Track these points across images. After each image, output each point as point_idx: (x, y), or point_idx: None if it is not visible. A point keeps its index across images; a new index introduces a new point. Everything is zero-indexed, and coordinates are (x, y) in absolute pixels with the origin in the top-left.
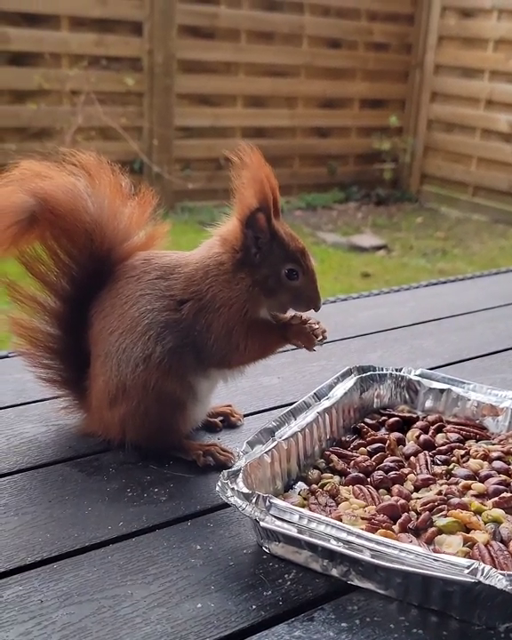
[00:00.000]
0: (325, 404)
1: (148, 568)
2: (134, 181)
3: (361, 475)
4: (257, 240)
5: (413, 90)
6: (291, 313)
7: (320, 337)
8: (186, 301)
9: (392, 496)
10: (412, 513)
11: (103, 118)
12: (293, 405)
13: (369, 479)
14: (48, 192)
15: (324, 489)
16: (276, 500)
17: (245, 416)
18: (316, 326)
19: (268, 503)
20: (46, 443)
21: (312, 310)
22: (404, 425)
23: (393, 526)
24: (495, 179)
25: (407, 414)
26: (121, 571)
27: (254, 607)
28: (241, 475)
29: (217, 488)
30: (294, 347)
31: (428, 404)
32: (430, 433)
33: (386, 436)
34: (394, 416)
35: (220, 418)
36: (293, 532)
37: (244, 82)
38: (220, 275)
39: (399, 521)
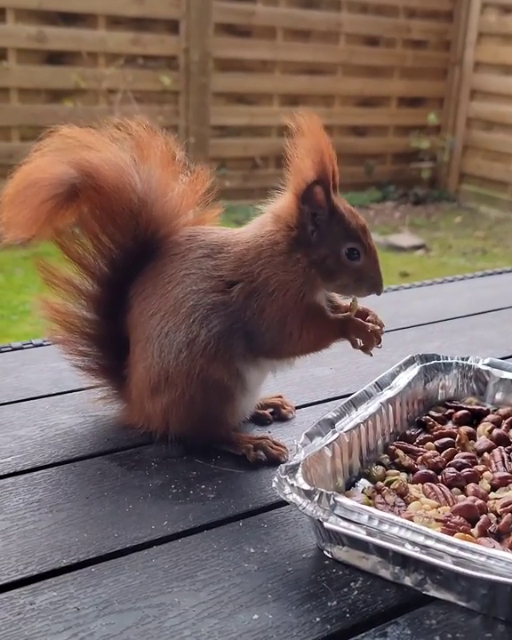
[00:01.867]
0: (388, 394)
1: (197, 573)
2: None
3: (431, 472)
4: (314, 217)
5: (452, 87)
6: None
7: (378, 341)
8: (235, 283)
9: (467, 496)
10: (492, 515)
11: (139, 117)
12: (353, 395)
13: (440, 477)
14: (93, 166)
15: (392, 487)
16: (341, 499)
17: (297, 408)
18: (377, 327)
19: (332, 502)
20: (83, 434)
21: (373, 295)
22: (474, 418)
23: (471, 529)
24: None
25: (476, 407)
26: (166, 576)
27: (318, 620)
28: (300, 469)
29: (273, 484)
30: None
31: (499, 396)
32: (503, 427)
33: (454, 430)
34: (462, 408)
35: (271, 410)
36: (362, 534)
37: (281, 80)
38: (275, 255)
39: (478, 524)
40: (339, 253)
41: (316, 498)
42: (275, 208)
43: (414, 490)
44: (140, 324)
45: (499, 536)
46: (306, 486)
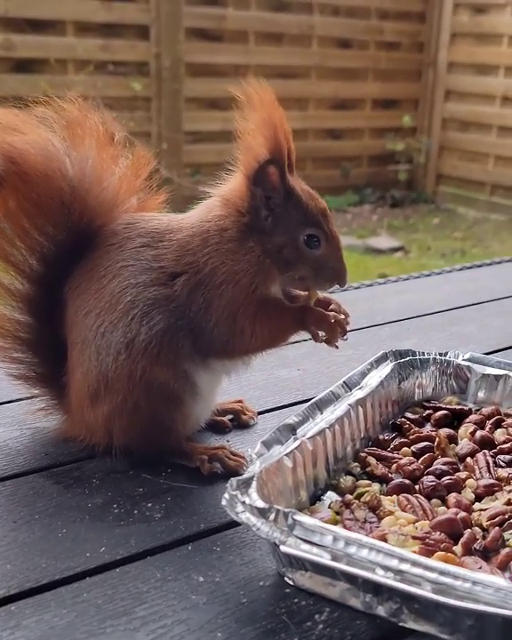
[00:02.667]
0: (358, 394)
1: (135, 609)
2: (129, 139)
3: (407, 481)
4: (268, 200)
5: (427, 89)
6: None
7: (343, 332)
8: (179, 275)
9: (449, 507)
10: (477, 529)
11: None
12: (318, 397)
13: (417, 486)
14: (17, 150)
15: (362, 500)
16: (301, 517)
17: (260, 414)
18: (341, 316)
19: (290, 521)
20: (18, 449)
21: (336, 287)
22: (454, 419)
23: (454, 547)
24: None
25: (457, 406)
26: (99, 613)
27: None
28: (254, 483)
29: (223, 501)
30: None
31: (482, 394)
32: (487, 428)
33: (433, 434)
34: (441, 409)
35: (230, 416)
36: (326, 558)
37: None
38: (223, 243)
39: (462, 540)
40: (296, 241)
41: (272, 517)
42: (223, 191)
43: (388, 502)
44: (75, 324)
45: (485, 554)
46: (260, 503)
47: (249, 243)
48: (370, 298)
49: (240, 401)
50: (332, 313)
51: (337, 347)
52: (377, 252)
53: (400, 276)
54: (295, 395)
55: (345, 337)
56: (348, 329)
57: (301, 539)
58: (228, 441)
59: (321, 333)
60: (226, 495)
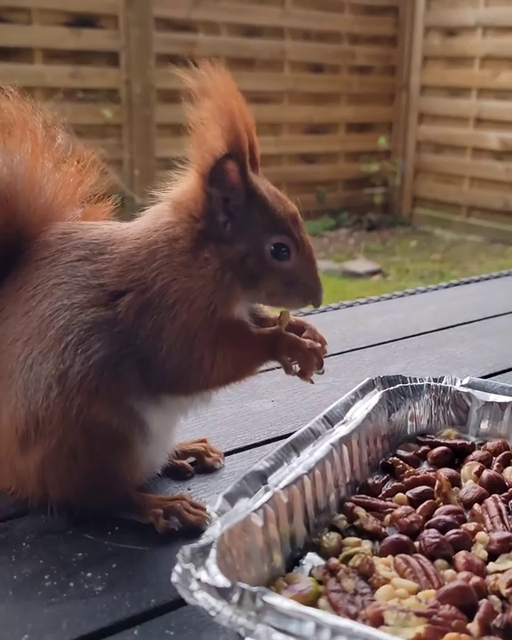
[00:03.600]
0: (341, 431)
1: None
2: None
3: (404, 537)
4: (226, 202)
5: (400, 112)
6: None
7: (319, 363)
8: (123, 294)
9: (458, 571)
10: (494, 598)
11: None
12: (294, 435)
13: (418, 543)
14: None
15: (351, 565)
16: (273, 598)
17: (227, 454)
18: (317, 344)
19: (259, 603)
20: None
21: (311, 307)
22: (455, 457)
23: (469, 625)
24: (489, 198)
25: (457, 441)
26: None
27: None
28: (213, 552)
29: (174, 577)
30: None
31: (485, 425)
32: (495, 466)
33: (432, 474)
34: (439, 444)
35: (191, 459)
36: None
37: None
38: (174, 255)
39: (478, 616)
40: (261, 250)
41: (236, 598)
42: (174, 194)
43: (383, 566)
44: (0, 354)
45: (508, 632)
46: (220, 580)
47: (204, 253)
48: (350, 319)
49: (203, 440)
50: (308, 340)
51: (312, 381)
52: (355, 275)
53: (382, 294)
54: (268, 431)
55: (321, 370)
56: (324, 358)
57: (274, 627)
58: (188, 489)
59: (294, 364)
60: (177, 568)
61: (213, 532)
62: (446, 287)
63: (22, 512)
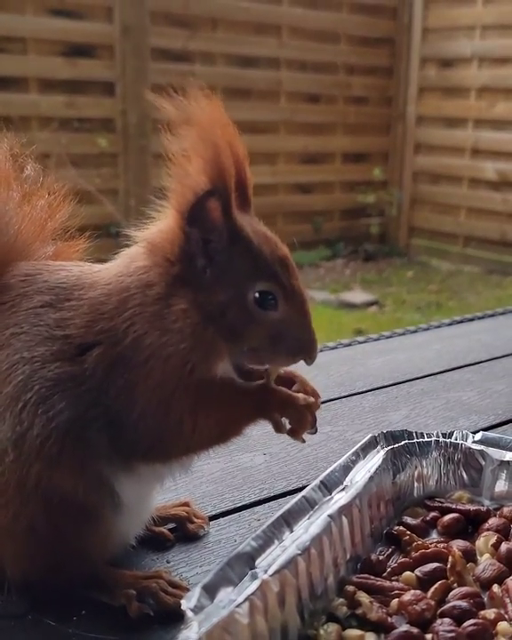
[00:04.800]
0: (340, 499)
1: None
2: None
3: (414, 630)
4: (207, 244)
5: (396, 142)
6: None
7: (313, 420)
8: (91, 347)
9: None
10: None
11: (77, 181)
12: (286, 507)
13: (431, 636)
14: None
15: None
16: None
17: (212, 519)
18: (311, 399)
19: None
20: None
21: (302, 363)
22: (469, 524)
23: None
24: (486, 229)
25: (471, 507)
26: None
27: None
28: None
29: None
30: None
31: (500, 486)
32: None
33: (443, 548)
34: (450, 510)
35: (171, 525)
36: None
37: None
38: (146, 305)
39: None
40: (244, 299)
41: None
42: (150, 234)
43: None
44: None
45: None
46: None
47: (181, 303)
48: (349, 360)
49: (186, 504)
50: (301, 395)
51: (304, 440)
52: (351, 306)
53: (382, 333)
54: (259, 489)
55: (314, 429)
56: (321, 404)
57: None
58: (167, 562)
59: (286, 421)
60: None
61: (189, 636)
62: (449, 324)
63: None
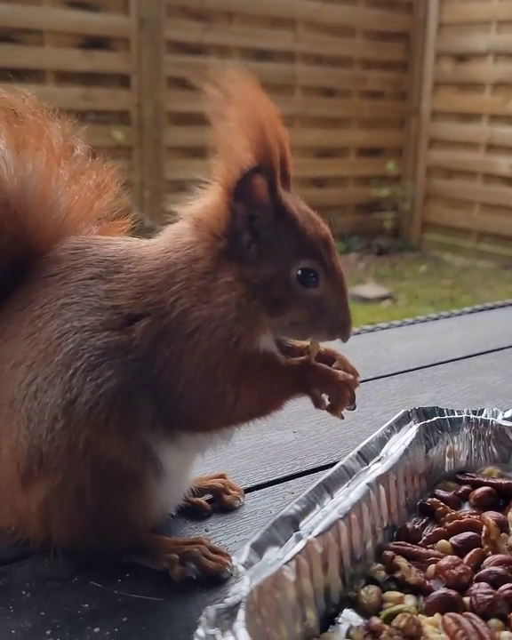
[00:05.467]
0: (377, 469)
1: None
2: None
3: (452, 592)
4: (252, 221)
5: (410, 137)
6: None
7: (352, 397)
8: (138, 318)
9: None
10: None
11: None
12: (327, 474)
13: (468, 599)
14: None
15: (395, 625)
16: None
17: (247, 491)
18: (350, 376)
19: None
20: None
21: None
22: (500, 498)
23: None
24: (500, 224)
25: (502, 480)
26: None
27: None
28: (242, 614)
29: None
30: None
31: None
32: None
33: (477, 519)
34: (481, 484)
35: (208, 496)
36: None
37: None
38: (194, 279)
39: None
40: (287, 276)
41: None
42: (196, 210)
43: (431, 628)
44: (1, 379)
45: None
46: None
47: (227, 277)
48: (373, 345)
49: (222, 476)
50: (340, 371)
51: (342, 416)
52: (364, 300)
53: (405, 319)
54: (291, 465)
55: (353, 405)
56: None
57: None
58: (206, 531)
59: (325, 398)
60: (200, 633)
61: (241, 588)
62: (470, 312)
63: (23, 555)
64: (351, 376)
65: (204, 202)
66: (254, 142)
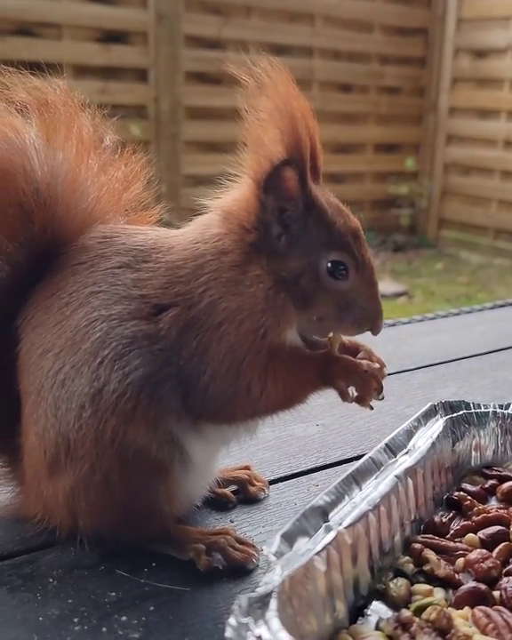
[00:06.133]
0: (405, 461)
1: None
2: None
3: (482, 586)
4: (282, 213)
5: (428, 133)
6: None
7: (379, 388)
8: (166, 308)
9: None
10: None
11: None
12: (356, 466)
13: (499, 593)
14: None
15: (425, 618)
16: None
17: (271, 483)
18: (375, 366)
19: None
20: None
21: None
22: None
23: None
24: None
25: None
26: None
27: None
28: (274, 603)
29: (228, 633)
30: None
31: None
32: None
33: (504, 513)
34: (508, 478)
35: (233, 487)
36: None
37: None
38: (223, 270)
39: None
40: (317, 268)
41: None
42: (225, 202)
43: (461, 621)
44: (28, 367)
45: None
46: (285, 638)
47: (255, 269)
48: (395, 339)
49: (247, 467)
50: (365, 362)
51: (371, 407)
52: (380, 297)
53: (426, 314)
54: (315, 457)
55: (381, 395)
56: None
57: None
58: (231, 522)
59: (352, 390)
60: (232, 621)
61: (273, 578)
62: (492, 308)
63: (49, 543)
64: (377, 365)
65: (234, 194)
66: (285, 134)
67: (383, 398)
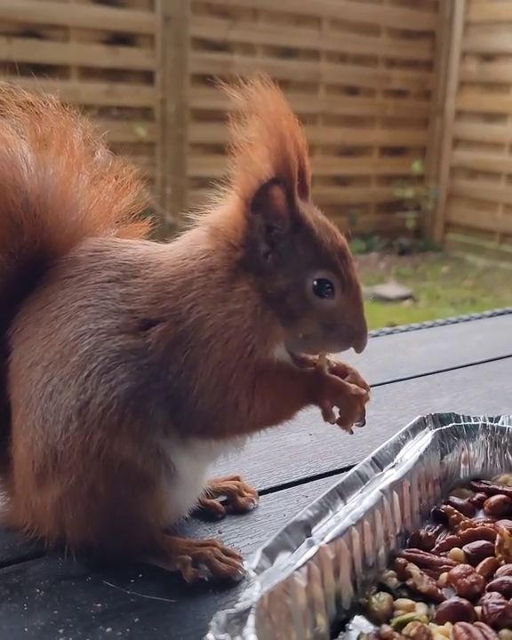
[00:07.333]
0: (391, 475)
1: None
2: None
3: (464, 601)
4: (270, 231)
5: (434, 136)
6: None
7: (362, 412)
8: (154, 323)
9: None
10: None
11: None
12: (341, 480)
13: (480, 609)
14: None
15: (405, 633)
16: None
17: (261, 493)
18: (362, 391)
19: None
20: None
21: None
22: None
23: None
24: None
25: None
26: None
27: None
28: (252, 619)
29: None
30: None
31: None
32: None
33: (490, 527)
34: (496, 492)
35: (222, 498)
36: None
37: None
38: (210, 287)
39: None
40: (303, 287)
41: None
42: (213, 218)
43: (441, 637)
44: (17, 379)
45: None
46: None
47: (243, 286)
48: (390, 347)
49: (236, 478)
50: (353, 385)
51: (352, 431)
52: (385, 300)
53: (423, 322)
54: (306, 468)
55: (362, 421)
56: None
57: None
58: (219, 532)
59: (336, 410)
60: (210, 638)
61: (252, 594)
62: (490, 316)
63: (37, 553)
64: (363, 390)
65: (222, 210)
66: (274, 153)
67: (364, 424)
